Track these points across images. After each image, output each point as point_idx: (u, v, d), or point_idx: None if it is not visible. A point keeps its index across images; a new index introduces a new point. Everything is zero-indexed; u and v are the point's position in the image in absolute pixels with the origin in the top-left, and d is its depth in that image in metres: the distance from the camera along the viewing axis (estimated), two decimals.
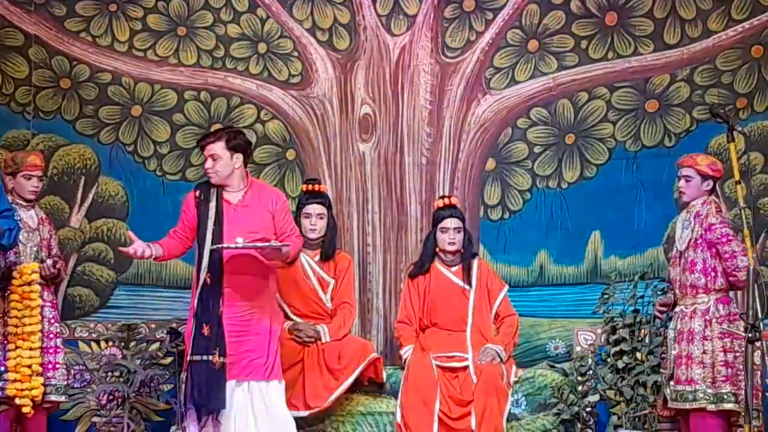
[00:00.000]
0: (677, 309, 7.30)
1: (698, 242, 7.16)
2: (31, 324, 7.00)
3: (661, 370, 7.51)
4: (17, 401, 6.94)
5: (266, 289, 7.13)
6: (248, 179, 7.14)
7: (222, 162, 7.02)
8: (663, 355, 7.73)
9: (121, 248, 7.07)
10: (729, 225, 7.11)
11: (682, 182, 7.31)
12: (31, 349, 6.99)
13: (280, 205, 7.13)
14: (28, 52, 8.58)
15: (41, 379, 7.03)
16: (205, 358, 6.95)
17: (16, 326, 6.96)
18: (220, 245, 6.95)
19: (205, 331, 6.98)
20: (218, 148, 7.03)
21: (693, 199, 7.26)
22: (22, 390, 6.95)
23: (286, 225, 7.12)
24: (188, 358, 7.00)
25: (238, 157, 7.06)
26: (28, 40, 8.55)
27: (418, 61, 8.75)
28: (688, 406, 7.10)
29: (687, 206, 7.31)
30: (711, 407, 7.01)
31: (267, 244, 6.89)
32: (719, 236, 7.01)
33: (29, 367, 6.98)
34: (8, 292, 7.02)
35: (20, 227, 6.93)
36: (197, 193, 7.15)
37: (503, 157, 8.74)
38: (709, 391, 7.04)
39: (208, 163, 7.07)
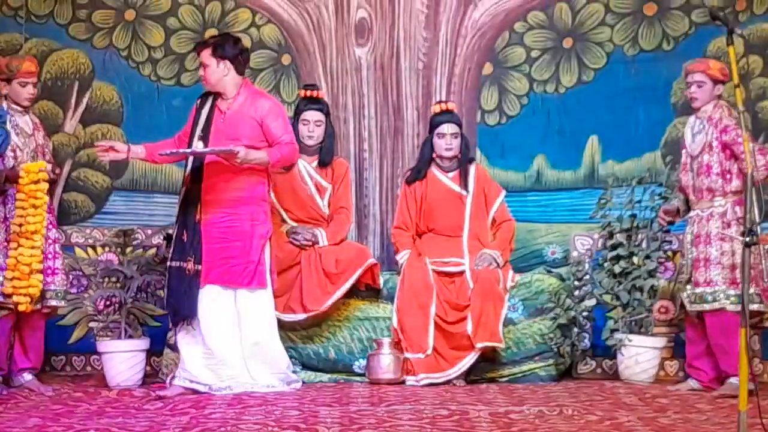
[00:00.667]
0: (692, 213, 7.34)
1: (713, 146, 7.18)
2: (35, 222, 6.96)
3: (679, 276, 7.55)
4: (14, 298, 6.94)
5: (247, 195, 7.14)
6: (241, 87, 7.12)
7: (210, 69, 7.08)
8: (662, 258, 7.76)
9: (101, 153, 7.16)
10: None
11: (693, 88, 7.31)
12: (32, 247, 6.96)
13: (266, 111, 7.10)
14: None
15: (40, 277, 7.02)
16: (181, 264, 7.01)
17: (20, 225, 6.91)
18: (172, 151, 7.09)
19: (184, 236, 7.03)
20: (206, 55, 7.11)
21: (704, 104, 7.25)
22: (20, 288, 6.94)
23: (277, 132, 7.08)
24: (167, 264, 7.07)
25: (226, 64, 7.07)
26: None
27: None
28: (707, 307, 7.18)
29: (698, 111, 7.30)
30: (731, 307, 7.07)
31: (219, 149, 6.93)
32: (735, 137, 7.03)
33: (29, 265, 6.96)
34: (15, 190, 6.96)
35: (8, 134, 6.89)
36: (199, 100, 7.26)
37: (500, 61, 8.69)
38: (730, 291, 7.11)
39: (200, 71, 7.18)
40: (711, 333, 7.24)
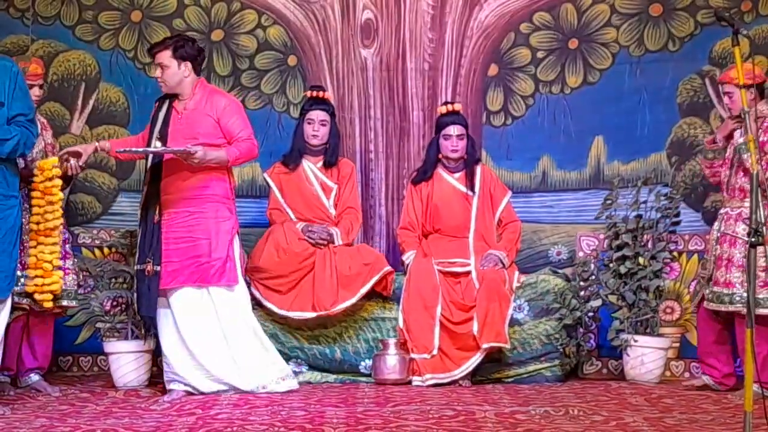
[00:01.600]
0: (722, 211, 7.32)
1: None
2: (53, 219, 6.93)
3: (700, 271, 7.53)
4: (36, 296, 6.92)
5: (209, 193, 7.14)
6: (197, 86, 7.13)
7: (170, 71, 7.10)
8: (667, 259, 7.75)
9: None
10: None
11: (726, 99, 7.37)
12: (53, 244, 6.94)
13: (223, 108, 7.12)
14: None
15: (60, 273, 7.01)
16: (142, 267, 7.03)
17: (37, 223, 6.86)
18: (128, 149, 7.14)
19: (144, 238, 7.05)
20: (165, 57, 7.11)
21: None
22: (43, 285, 6.93)
23: (234, 129, 7.10)
24: (134, 267, 7.10)
25: (187, 65, 7.10)
26: None
27: None
28: (723, 308, 7.16)
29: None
30: (745, 310, 7.06)
31: (176, 149, 6.94)
32: None
33: (50, 262, 6.94)
34: (29, 190, 6.92)
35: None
36: (157, 102, 7.31)
37: (506, 62, 8.69)
38: (743, 293, 7.07)
39: (157, 72, 7.17)
40: (738, 336, 7.24)
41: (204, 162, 6.95)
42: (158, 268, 7.02)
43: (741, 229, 7.10)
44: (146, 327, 7.54)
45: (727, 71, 7.41)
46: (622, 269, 7.75)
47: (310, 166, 7.87)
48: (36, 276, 6.88)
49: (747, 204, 7.07)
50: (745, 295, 7.03)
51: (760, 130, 7.14)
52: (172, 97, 7.20)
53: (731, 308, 7.12)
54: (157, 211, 7.06)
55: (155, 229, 7.06)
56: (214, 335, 7.12)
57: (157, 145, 7.04)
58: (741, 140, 7.20)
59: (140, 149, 7.12)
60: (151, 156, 7.11)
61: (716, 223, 7.37)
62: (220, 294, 7.14)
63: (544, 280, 7.91)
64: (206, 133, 7.07)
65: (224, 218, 7.17)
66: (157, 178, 7.09)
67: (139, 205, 7.26)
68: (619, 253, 7.78)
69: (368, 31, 8.70)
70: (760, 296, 7.01)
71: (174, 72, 7.08)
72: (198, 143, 6.93)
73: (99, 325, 7.70)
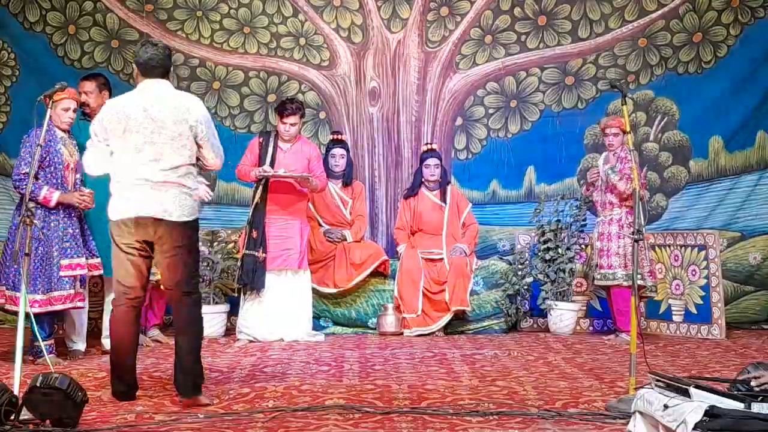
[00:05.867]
0: (598, 219, 7.35)
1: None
2: None
3: (590, 262, 7.53)
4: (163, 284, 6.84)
5: (298, 205, 7.16)
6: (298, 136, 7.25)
7: (297, 126, 7.16)
8: (578, 249, 7.73)
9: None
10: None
11: (606, 139, 7.38)
12: None
13: (313, 153, 7.23)
14: None
15: None
16: (253, 253, 6.99)
17: None
18: (269, 173, 6.98)
19: (254, 234, 7.02)
20: (296, 119, 7.13)
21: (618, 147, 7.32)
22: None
23: (317, 167, 7.21)
24: (242, 252, 7.05)
25: (300, 123, 7.23)
26: (141, 36, 8.42)
27: (409, 51, 8.65)
28: (608, 283, 7.23)
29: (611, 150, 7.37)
30: (625, 283, 7.06)
31: (296, 174, 6.97)
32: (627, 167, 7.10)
33: None
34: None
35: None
36: (261, 139, 7.24)
37: (468, 116, 8.67)
38: (622, 272, 7.12)
39: (288, 127, 7.10)
40: (614, 299, 7.25)
41: (310, 186, 7.06)
42: (265, 254, 7.02)
43: (614, 229, 7.16)
44: (224, 294, 7.51)
45: (614, 118, 7.41)
46: (547, 256, 7.73)
47: (333, 186, 7.84)
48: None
49: (615, 212, 7.25)
50: (621, 272, 7.10)
51: (621, 162, 7.14)
52: (275, 137, 7.15)
53: (614, 282, 7.17)
54: (265, 216, 7.05)
55: (263, 228, 7.04)
56: (284, 302, 7.11)
57: (280, 170, 6.99)
58: (607, 167, 7.23)
59: (279, 171, 6.99)
60: (263, 179, 7.05)
61: (595, 228, 7.42)
62: (298, 275, 7.15)
63: (494, 264, 7.89)
64: (304, 168, 7.08)
65: (306, 222, 7.28)
66: (264, 194, 7.07)
67: (250, 210, 7.15)
68: (545, 246, 7.77)
69: (374, 95, 8.68)
70: (623, 273, 7.12)
71: (298, 128, 7.16)
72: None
73: None
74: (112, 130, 4.70)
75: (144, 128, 4.66)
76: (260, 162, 7.12)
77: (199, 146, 4.78)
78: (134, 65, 4.86)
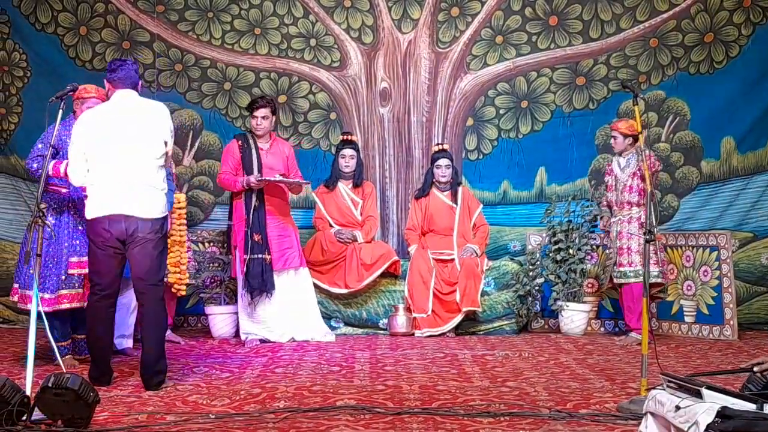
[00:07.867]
0: (615, 218, 7.30)
1: (634, 173, 7.15)
2: (182, 235, 6.95)
3: (607, 261, 7.49)
4: (175, 287, 6.90)
5: (287, 205, 7.34)
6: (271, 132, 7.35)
7: (268, 121, 7.21)
8: (588, 250, 7.71)
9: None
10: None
11: (612, 141, 7.35)
12: (181, 251, 6.94)
13: (290, 152, 7.32)
14: (153, 46, 8.50)
15: (186, 271, 7.03)
16: (260, 256, 7.00)
17: (171, 236, 6.73)
18: (266, 179, 7.01)
19: (257, 238, 7.03)
20: (267, 111, 7.19)
21: (621, 149, 7.25)
22: (180, 280, 6.94)
23: (294, 167, 7.34)
24: (246, 257, 7.00)
25: (273, 119, 7.30)
26: (152, 37, 8.47)
27: (420, 51, 8.64)
28: (629, 281, 7.17)
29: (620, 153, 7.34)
30: (636, 281, 7.04)
31: (294, 180, 7.11)
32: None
33: (185, 264, 6.99)
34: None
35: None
36: (239, 141, 7.30)
37: (478, 116, 8.66)
38: (639, 270, 7.09)
39: (260, 121, 7.17)
40: (624, 297, 7.22)
41: (298, 191, 7.34)
42: (271, 257, 7.04)
43: (634, 227, 7.11)
44: (235, 295, 7.53)
45: (615, 122, 7.39)
46: (558, 257, 7.72)
47: (344, 187, 7.85)
48: (176, 272, 6.85)
49: (634, 211, 7.17)
50: (638, 270, 7.04)
51: (640, 160, 7.12)
52: (252, 137, 7.17)
53: (631, 281, 7.11)
54: (265, 219, 7.10)
55: (265, 230, 7.08)
56: (288, 302, 7.13)
57: (276, 176, 7.05)
58: (623, 172, 7.20)
59: (276, 177, 7.03)
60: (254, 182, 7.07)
61: (613, 226, 7.34)
62: (299, 273, 7.23)
63: (505, 265, 7.88)
64: (284, 167, 7.17)
65: (293, 222, 7.37)
66: (261, 198, 7.11)
67: (249, 215, 7.14)
68: (556, 246, 7.75)
69: (384, 96, 8.68)
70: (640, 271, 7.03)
71: (270, 122, 7.18)
72: (281, 173, 7.07)
73: (202, 295, 7.69)
74: (87, 138, 5.19)
75: (117, 135, 5.18)
76: (244, 165, 7.13)
77: (166, 151, 5.32)
78: (105, 81, 5.40)
